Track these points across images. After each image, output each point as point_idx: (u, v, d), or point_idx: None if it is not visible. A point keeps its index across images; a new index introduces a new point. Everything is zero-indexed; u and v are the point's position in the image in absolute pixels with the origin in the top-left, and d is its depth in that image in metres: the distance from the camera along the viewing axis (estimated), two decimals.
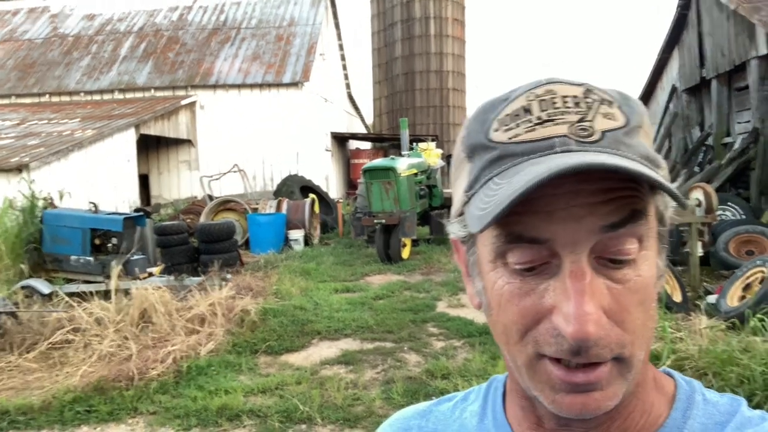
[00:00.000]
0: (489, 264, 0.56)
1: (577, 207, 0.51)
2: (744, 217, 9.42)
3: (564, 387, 0.52)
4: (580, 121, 0.53)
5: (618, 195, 0.51)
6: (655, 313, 0.56)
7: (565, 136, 0.52)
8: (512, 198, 0.48)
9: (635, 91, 17.96)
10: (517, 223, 0.52)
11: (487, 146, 0.56)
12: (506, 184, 0.51)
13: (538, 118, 0.54)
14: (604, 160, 0.49)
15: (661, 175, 0.52)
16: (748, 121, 11.54)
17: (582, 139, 0.52)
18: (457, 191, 0.61)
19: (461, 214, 0.59)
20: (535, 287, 0.53)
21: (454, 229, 0.62)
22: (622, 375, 0.53)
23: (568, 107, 0.54)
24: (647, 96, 17.11)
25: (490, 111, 0.57)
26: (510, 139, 0.54)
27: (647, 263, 0.54)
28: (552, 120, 0.53)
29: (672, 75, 15.59)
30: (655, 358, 4.46)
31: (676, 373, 0.65)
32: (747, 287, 5.87)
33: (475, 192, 0.56)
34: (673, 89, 15.32)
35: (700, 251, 7.08)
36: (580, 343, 0.50)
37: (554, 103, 0.54)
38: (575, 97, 0.54)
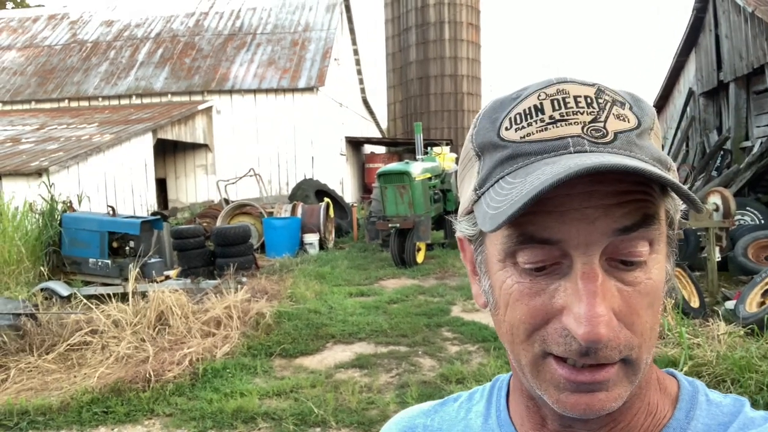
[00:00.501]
0: (498, 263, 0.56)
1: (591, 208, 0.50)
2: (763, 222, 9.29)
3: (569, 386, 0.52)
4: (593, 121, 0.53)
5: (631, 198, 0.51)
6: (660, 317, 0.55)
7: (578, 136, 0.52)
8: (529, 197, 0.47)
9: (651, 94, 17.82)
10: (529, 223, 0.51)
11: (498, 145, 0.55)
12: (520, 183, 0.51)
13: (551, 117, 0.53)
14: (622, 161, 0.48)
15: (671, 177, 0.52)
16: (767, 125, 11.40)
17: (595, 140, 0.52)
18: (465, 189, 0.60)
19: (470, 212, 0.59)
20: (545, 287, 0.52)
21: (462, 228, 0.61)
22: (628, 377, 0.53)
23: (581, 107, 0.53)
24: (664, 99, 16.96)
25: (500, 109, 0.57)
26: (522, 138, 0.54)
27: (657, 266, 0.54)
28: (565, 120, 0.53)
29: (689, 78, 15.44)
30: (672, 364, 4.41)
31: (678, 374, 0.64)
32: (766, 293, 5.79)
33: (485, 191, 0.55)
34: (690, 93, 15.17)
35: (718, 256, 7.00)
36: (591, 345, 0.49)
37: (567, 102, 0.54)
38: (587, 97, 0.54)
